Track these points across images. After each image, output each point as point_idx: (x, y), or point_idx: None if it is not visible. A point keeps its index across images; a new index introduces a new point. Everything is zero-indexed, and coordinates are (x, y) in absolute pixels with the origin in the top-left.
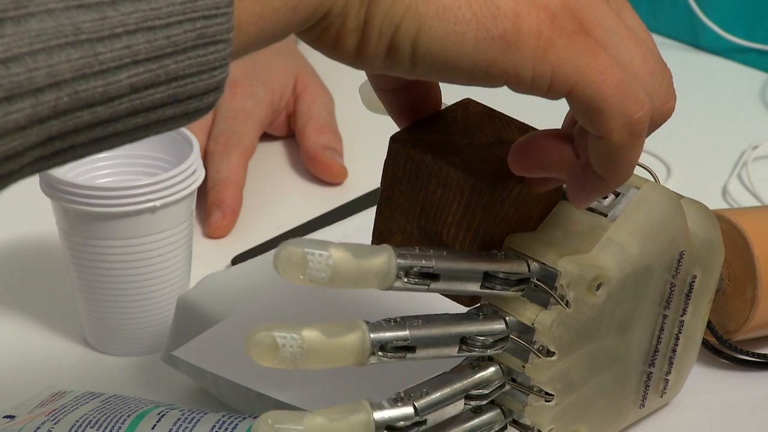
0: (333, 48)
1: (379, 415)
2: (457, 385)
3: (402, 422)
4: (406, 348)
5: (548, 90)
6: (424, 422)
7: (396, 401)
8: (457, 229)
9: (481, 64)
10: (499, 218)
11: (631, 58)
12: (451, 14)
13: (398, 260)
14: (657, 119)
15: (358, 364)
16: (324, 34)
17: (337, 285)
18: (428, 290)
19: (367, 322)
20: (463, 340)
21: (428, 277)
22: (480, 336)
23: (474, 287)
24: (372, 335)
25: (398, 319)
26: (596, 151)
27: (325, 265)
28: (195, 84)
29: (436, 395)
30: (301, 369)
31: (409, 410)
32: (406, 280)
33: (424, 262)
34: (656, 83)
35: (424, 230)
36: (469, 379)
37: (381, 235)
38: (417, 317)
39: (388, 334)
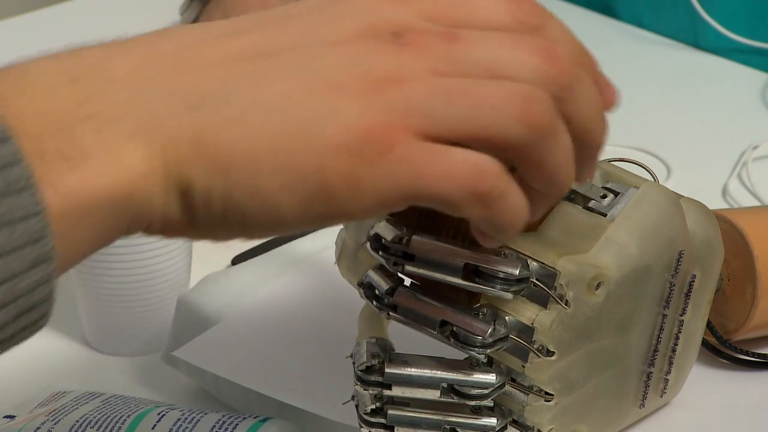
0: (185, 236)
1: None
2: (438, 373)
3: (360, 368)
4: (391, 305)
5: (388, 211)
6: (389, 387)
7: (374, 356)
8: (456, 232)
9: (312, 220)
10: None
11: (480, 108)
12: (261, 192)
13: (375, 229)
14: (545, 130)
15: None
16: (168, 232)
17: None
18: (404, 272)
19: (383, 268)
20: (445, 324)
21: (403, 256)
22: (464, 329)
23: (455, 278)
24: (370, 271)
25: (396, 278)
26: (480, 224)
27: None
28: (19, 335)
29: (410, 370)
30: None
31: (365, 360)
32: (381, 252)
33: (399, 235)
34: (522, 110)
35: (423, 232)
36: (453, 375)
37: None
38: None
39: (376, 279)
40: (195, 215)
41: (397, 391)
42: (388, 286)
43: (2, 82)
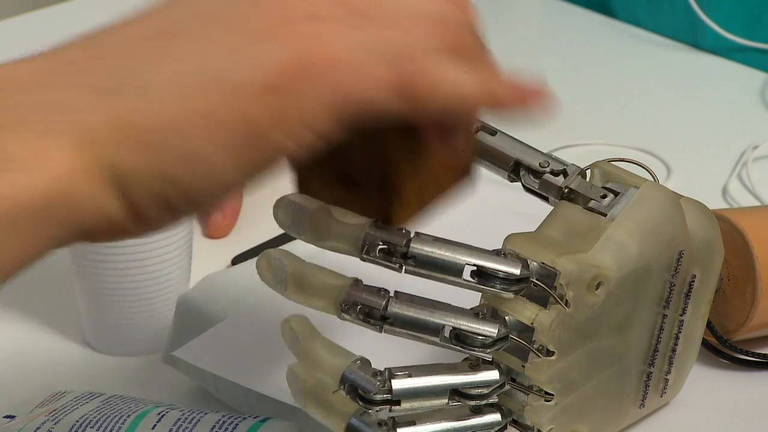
0: (126, 237)
1: (349, 372)
2: (445, 379)
3: (371, 395)
4: (383, 318)
5: (326, 139)
6: (398, 403)
7: (375, 374)
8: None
9: (252, 170)
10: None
11: (365, 42)
12: (193, 156)
13: (370, 230)
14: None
15: (335, 314)
16: (115, 233)
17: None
18: (402, 270)
19: (358, 283)
20: (449, 330)
21: (402, 256)
22: (468, 331)
23: (456, 278)
24: (350, 290)
25: (384, 291)
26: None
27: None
28: None
29: (417, 381)
30: (289, 298)
31: (373, 382)
32: (378, 254)
33: (396, 238)
34: (434, 28)
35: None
36: (459, 378)
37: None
38: (408, 295)
39: (364, 296)
40: (136, 205)
41: (405, 406)
42: (383, 301)
43: None
